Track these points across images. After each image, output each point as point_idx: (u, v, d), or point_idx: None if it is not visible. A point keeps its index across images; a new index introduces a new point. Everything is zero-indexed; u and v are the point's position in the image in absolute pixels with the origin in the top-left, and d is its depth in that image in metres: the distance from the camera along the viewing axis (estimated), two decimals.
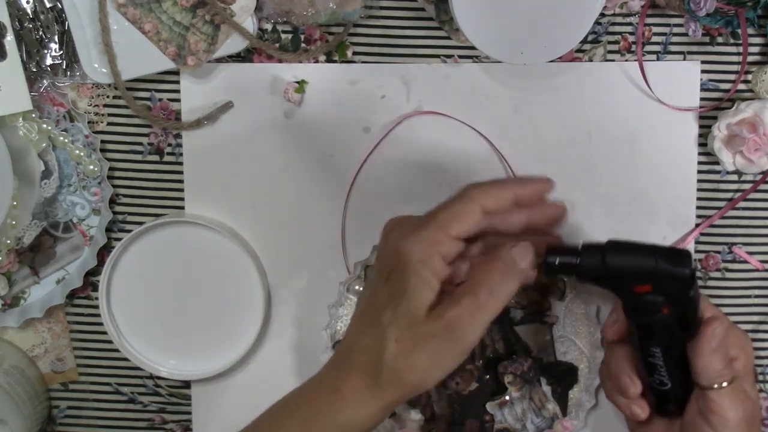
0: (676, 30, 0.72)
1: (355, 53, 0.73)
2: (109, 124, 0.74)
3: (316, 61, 0.73)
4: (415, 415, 0.72)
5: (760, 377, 0.77)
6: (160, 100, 0.73)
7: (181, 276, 0.74)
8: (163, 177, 0.75)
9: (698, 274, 0.75)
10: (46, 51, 0.70)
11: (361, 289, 0.72)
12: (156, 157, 0.74)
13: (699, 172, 0.74)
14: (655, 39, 0.73)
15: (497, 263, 0.48)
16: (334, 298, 0.73)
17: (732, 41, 0.73)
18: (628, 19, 0.72)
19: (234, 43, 0.70)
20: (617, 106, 0.73)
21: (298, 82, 0.72)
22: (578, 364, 0.73)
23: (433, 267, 0.46)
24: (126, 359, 0.75)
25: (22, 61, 0.69)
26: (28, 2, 0.70)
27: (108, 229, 0.74)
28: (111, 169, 0.74)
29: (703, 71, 0.73)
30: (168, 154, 0.74)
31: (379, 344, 0.46)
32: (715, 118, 0.72)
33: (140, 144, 0.74)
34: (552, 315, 0.72)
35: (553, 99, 0.73)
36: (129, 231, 0.73)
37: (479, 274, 0.48)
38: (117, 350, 0.74)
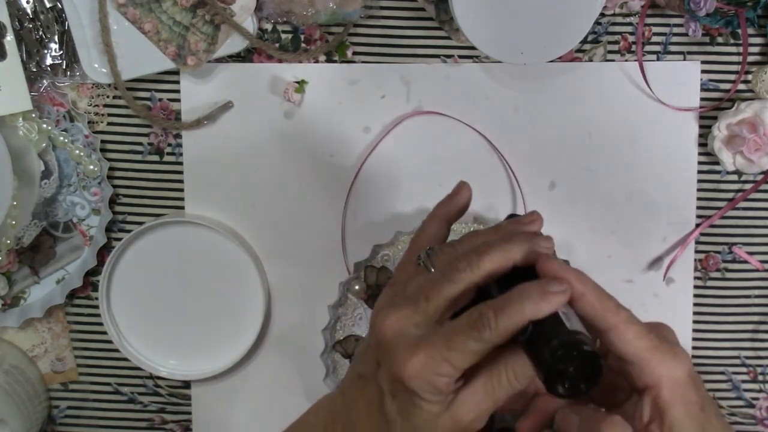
0: (676, 30, 0.72)
1: (355, 53, 0.73)
2: (109, 124, 0.74)
3: (316, 61, 0.73)
4: None
5: (760, 377, 0.77)
6: (160, 100, 0.73)
7: (181, 276, 0.74)
8: (163, 177, 0.75)
9: (698, 274, 0.76)
10: (46, 51, 0.70)
11: (359, 288, 0.72)
12: (156, 157, 0.74)
13: (699, 172, 0.74)
14: (655, 39, 0.72)
15: (497, 370, 0.47)
16: (334, 298, 0.73)
17: (732, 41, 0.72)
18: (628, 19, 0.72)
19: (234, 43, 0.70)
20: (617, 106, 0.73)
21: (298, 82, 0.72)
22: None
23: (440, 391, 0.46)
24: (126, 359, 0.75)
25: (22, 61, 0.69)
26: (28, 2, 0.70)
27: (108, 229, 0.74)
28: (111, 169, 0.74)
29: (703, 71, 0.73)
30: (168, 154, 0.74)
31: None
32: (715, 118, 0.72)
33: (140, 144, 0.74)
34: None
35: (553, 99, 0.73)
36: (129, 231, 0.73)
37: (482, 375, 0.47)
38: (117, 350, 0.74)
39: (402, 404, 0.46)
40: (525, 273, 0.46)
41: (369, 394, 0.49)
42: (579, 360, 0.42)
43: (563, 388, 0.42)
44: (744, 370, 0.77)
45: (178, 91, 0.73)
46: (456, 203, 0.53)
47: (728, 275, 0.76)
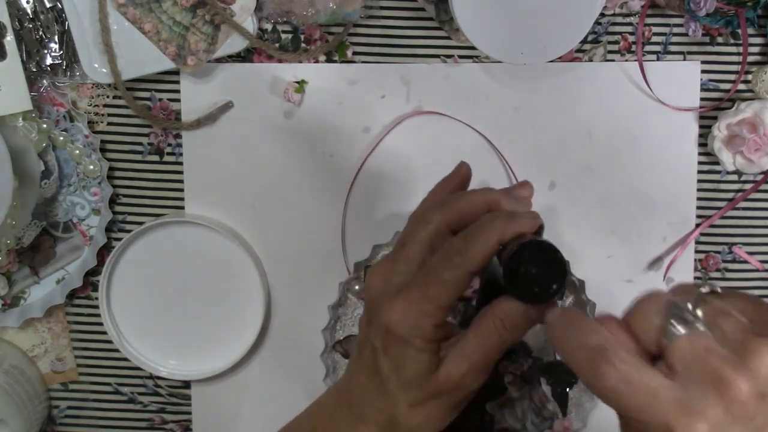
0: (676, 30, 0.72)
1: (355, 53, 0.73)
2: (109, 124, 0.74)
3: (316, 61, 0.73)
4: None
5: None
6: (160, 100, 0.73)
7: (181, 276, 0.74)
8: (163, 177, 0.75)
9: (698, 274, 0.75)
10: (46, 51, 0.70)
11: (359, 288, 0.72)
12: (156, 157, 0.74)
13: (699, 172, 0.74)
14: (655, 39, 0.73)
15: (485, 319, 0.47)
16: (334, 298, 0.73)
17: (732, 41, 0.72)
18: (628, 19, 0.72)
19: (234, 43, 0.70)
20: (617, 106, 0.73)
21: (298, 82, 0.72)
22: None
23: (426, 336, 0.46)
24: (126, 359, 0.75)
25: (22, 61, 0.69)
26: (28, 2, 0.70)
27: (108, 229, 0.74)
28: (111, 169, 0.74)
29: (703, 71, 0.73)
30: (168, 154, 0.74)
31: (393, 409, 0.48)
32: (715, 118, 0.72)
33: (140, 144, 0.74)
34: None
35: (553, 99, 0.73)
36: (129, 231, 0.73)
37: (471, 327, 0.47)
38: (117, 350, 0.74)
39: (394, 358, 0.46)
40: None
41: (365, 358, 0.49)
42: (541, 257, 0.41)
43: (533, 291, 0.42)
44: None
45: (178, 91, 0.73)
46: (455, 181, 0.53)
47: (728, 275, 0.76)
